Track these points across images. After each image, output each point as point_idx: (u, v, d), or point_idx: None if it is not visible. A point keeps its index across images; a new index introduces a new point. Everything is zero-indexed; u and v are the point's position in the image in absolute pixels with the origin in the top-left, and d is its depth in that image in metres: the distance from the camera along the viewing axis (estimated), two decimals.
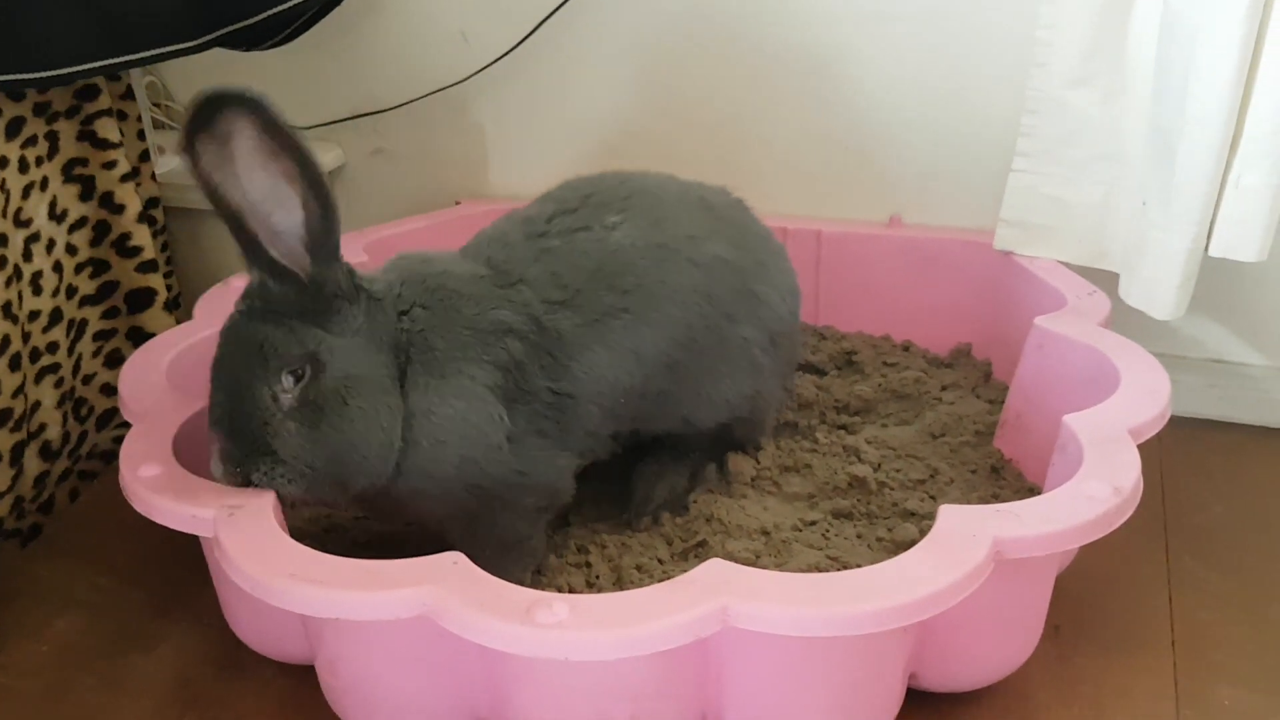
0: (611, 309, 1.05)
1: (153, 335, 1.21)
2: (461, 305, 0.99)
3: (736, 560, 0.97)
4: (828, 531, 1.09)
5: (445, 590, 0.78)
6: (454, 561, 0.82)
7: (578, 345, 1.02)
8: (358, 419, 0.90)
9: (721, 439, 1.18)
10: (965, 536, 0.83)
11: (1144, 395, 1.01)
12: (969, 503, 1.00)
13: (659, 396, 1.08)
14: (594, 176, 1.16)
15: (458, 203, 1.55)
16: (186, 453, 0.96)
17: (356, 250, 1.37)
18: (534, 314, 1.01)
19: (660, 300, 1.07)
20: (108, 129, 1.25)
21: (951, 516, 0.85)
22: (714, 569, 0.81)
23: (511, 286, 1.02)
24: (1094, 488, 0.88)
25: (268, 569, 0.80)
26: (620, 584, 1.02)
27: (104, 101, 1.25)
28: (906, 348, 1.42)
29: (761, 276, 1.16)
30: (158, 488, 0.90)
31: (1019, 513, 0.86)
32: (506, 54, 1.47)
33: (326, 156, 1.58)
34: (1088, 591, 1.09)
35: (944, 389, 1.32)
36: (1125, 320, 1.22)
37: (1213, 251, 1.14)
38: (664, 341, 1.07)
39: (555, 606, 0.76)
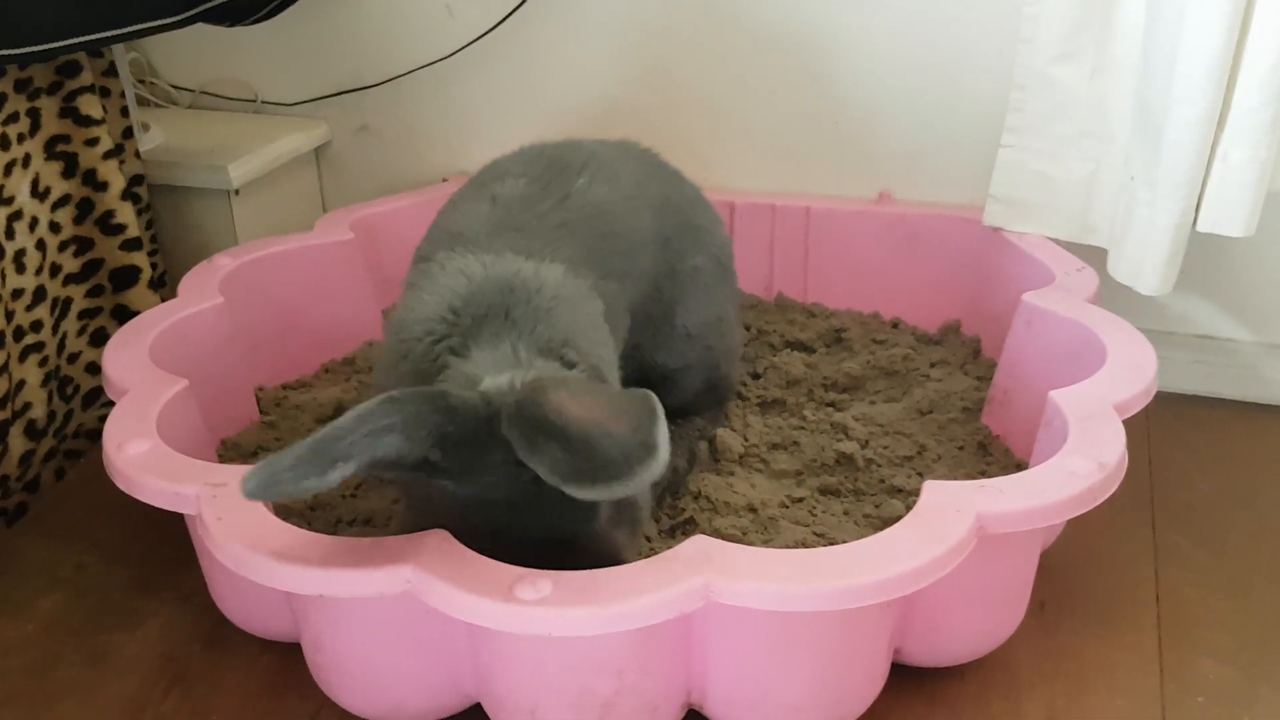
0: (621, 272, 1.04)
1: (138, 313, 1.20)
2: (574, 310, 0.93)
3: (724, 537, 0.98)
4: (815, 508, 1.09)
5: (428, 568, 0.77)
6: (442, 539, 0.82)
7: (611, 317, 1.01)
8: None
9: (713, 385, 1.19)
10: (949, 512, 0.83)
11: (1130, 371, 1.01)
12: (956, 479, 1.00)
13: (628, 349, 1.09)
14: (521, 151, 1.13)
15: (445, 180, 1.54)
16: (170, 431, 0.96)
17: (343, 229, 1.36)
18: (601, 294, 0.99)
19: (637, 254, 1.08)
20: (90, 105, 1.24)
21: (935, 492, 0.85)
22: (697, 545, 0.80)
23: (579, 277, 0.97)
24: (1078, 463, 0.88)
25: (251, 546, 0.80)
26: None
27: (86, 78, 1.24)
28: (895, 325, 1.41)
29: (697, 208, 1.19)
30: (141, 465, 0.90)
31: (1003, 488, 0.86)
32: (491, 30, 1.46)
33: (312, 134, 1.57)
34: (1074, 567, 1.09)
35: (932, 366, 1.32)
36: (1114, 296, 1.21)
37: (1200, 227, 1.14)
38: (640, 296, 1.08)
39: (538, 583, 0.76)
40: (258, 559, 0.79)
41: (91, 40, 1.15)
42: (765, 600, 0.77)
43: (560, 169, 1.07)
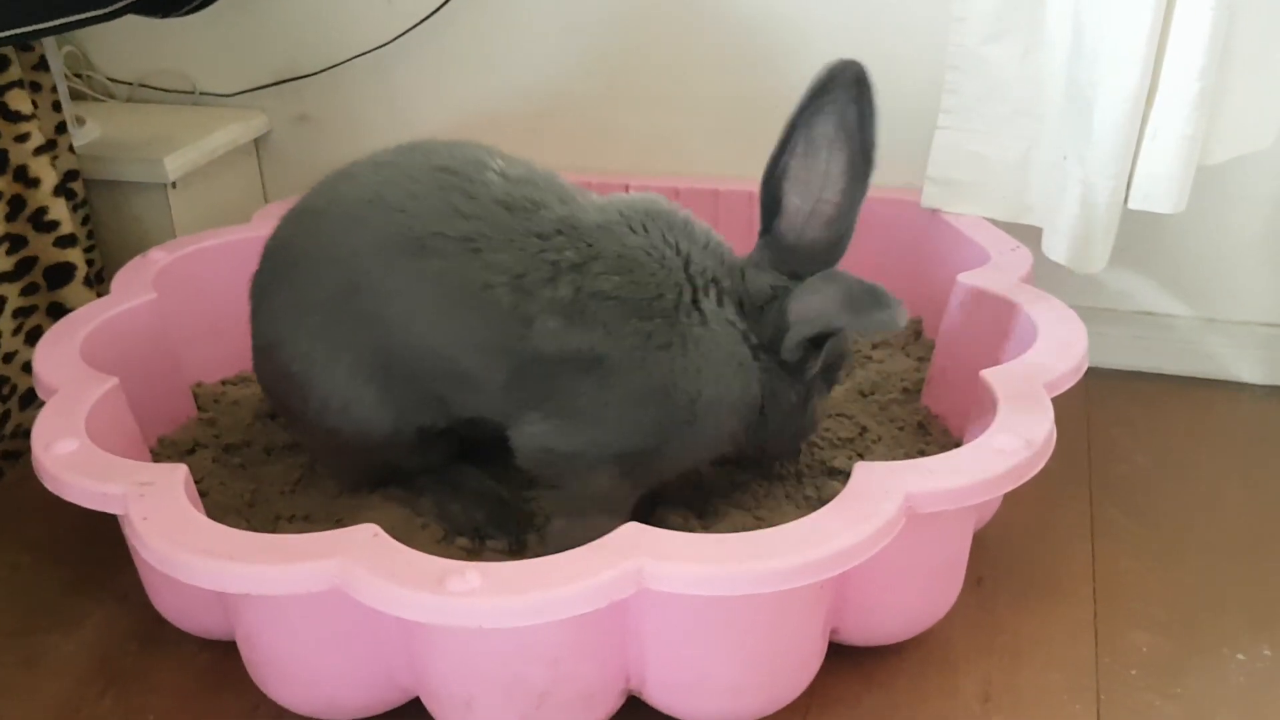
0: None
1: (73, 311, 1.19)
2: None
3: (668, 525, 0.98)
4: (758, 492, 1.09)
5: (355, 562, 0.77)
6: (373, 534, 0.81)
7: None
8: None
9: None
10: (877, 492, 0.83)
11: (1060, 349, 1.02)
12: (894, 459, 1.01)
13: None
14: (378, 158, 1.05)
15: None
16: (100, 430, 0.95)
17: None
18: None
19: None
20: (19, 101, 1.22)
21: (865, 473, 0.86)
22: (627, 532, 0.81)
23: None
24: (1006, 441, 0.89)
25: (177, 545, 0.79)
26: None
27: (14, 73, 1.22)
28: None
29: None
30: (68, 466, 0.88)
31: (931, 467, 0.86)
32: (431, 15, 1.45)
33: (250, 124, 1.55)
34: (1011, 542, 1.10)
35: (874, 347, 1.33)
36: (1052, 275, 1.22)
37: (1131, 204, 1.15)
38: None
39: (468, 575, 0.76)
40: (183, 557, 0.78)
41: (18, 34, 1.12)
42: (694, 585, 0.77)
43: (467, 161, 1.00)
